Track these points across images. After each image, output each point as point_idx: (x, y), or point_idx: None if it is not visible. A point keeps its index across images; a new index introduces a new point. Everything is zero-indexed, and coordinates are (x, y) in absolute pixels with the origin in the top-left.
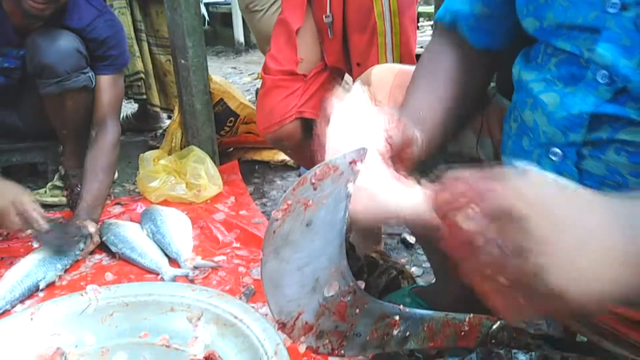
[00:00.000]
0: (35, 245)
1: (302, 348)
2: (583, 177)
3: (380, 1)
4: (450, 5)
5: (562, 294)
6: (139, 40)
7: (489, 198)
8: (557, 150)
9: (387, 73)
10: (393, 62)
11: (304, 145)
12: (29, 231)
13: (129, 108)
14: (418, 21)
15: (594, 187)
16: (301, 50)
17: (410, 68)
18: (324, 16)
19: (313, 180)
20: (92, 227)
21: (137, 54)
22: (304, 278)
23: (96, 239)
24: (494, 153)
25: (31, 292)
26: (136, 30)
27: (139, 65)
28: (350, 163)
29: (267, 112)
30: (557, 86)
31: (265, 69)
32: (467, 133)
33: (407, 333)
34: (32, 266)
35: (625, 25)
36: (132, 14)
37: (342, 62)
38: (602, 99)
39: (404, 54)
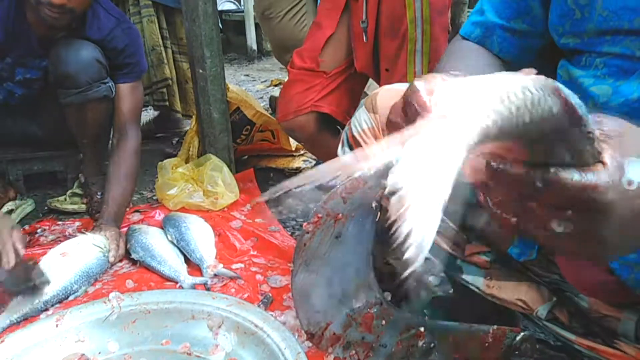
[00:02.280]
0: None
1: (329, 359)
2: None
3: (413, 7)
4: (480, 19)
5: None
6: (165, 48)
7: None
8: None
9: (395, 97)
10: (422, 69)
11: (317, 138)
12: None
13: (150, 115)
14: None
15: None
16: (327, 52)
17: None
18: (360, 21)
19: (343, 194)
20: (119, 235)
21: (165, 60)
22: (332, 289)
23: (122, 248)
24: None
25: (58, 302)
26: (162, 37)
27: (167, 72)
28: (379, 177)
29: (286, 102)
30: (609, 80)
31: (292, 63)
32: None
33: (432, 345)
34: (66, 279)
35: None
36: (158, 21)
37: (371, 67)
38: None
39: (433, 61)
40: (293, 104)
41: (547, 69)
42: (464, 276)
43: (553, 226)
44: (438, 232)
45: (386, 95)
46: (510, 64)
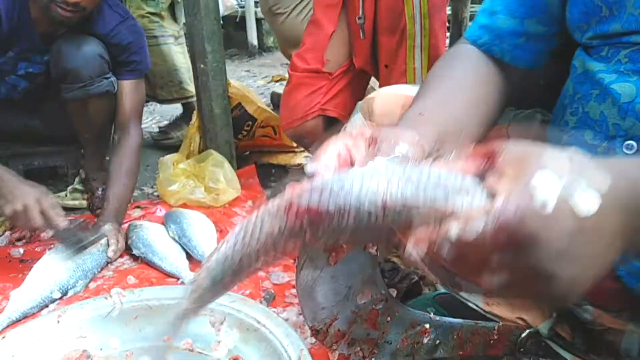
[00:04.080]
0: (57, 245)
1: (334, 356)
2: None
3: (411, 3)
4: (489, 22)
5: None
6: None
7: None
8: (633, 143)
9: (392, 104)
10: (421, 64)
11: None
12: (49, 232)
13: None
14: (448, 23)
15: None
16: (331, 51)
17: None
18: (357, 17)
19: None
20: (118, 231)
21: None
22: (337, 286)
23: (122, 243)
24: None
25: (58, 299)
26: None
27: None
28: None
29: (291, 108)
30: (633, 77)
31: (293, 66)
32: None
33: (437, 341)
34: (63, 274)
35: None
36: None
37: (370, 64)
38: None
39: (433, 57)
40: (299, 110)
41: (561, 69)
42: (462, 294)
43: (487, 280)
44: None
45: (384, 99)
46: (521, 71)
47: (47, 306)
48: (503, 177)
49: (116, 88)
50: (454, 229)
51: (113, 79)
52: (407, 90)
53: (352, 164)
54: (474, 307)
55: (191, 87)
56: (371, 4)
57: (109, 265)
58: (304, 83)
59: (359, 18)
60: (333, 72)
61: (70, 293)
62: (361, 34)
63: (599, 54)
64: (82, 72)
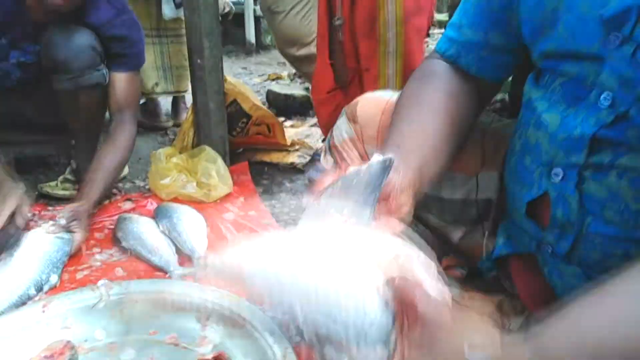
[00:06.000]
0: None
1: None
2: (584, 200)
3: (385, 9)
4: (456, 35)
5: None
6: None
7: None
8: (559, 170)
9: (374, 108)
10: (395, 70)
11: None
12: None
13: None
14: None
15: (595, 211)
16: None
17: None
18: (334, 18)
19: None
20: (86, 217)
21: None
22: None
23: (85, 224)
24: (500, 187)
25: (35, 295)
26: None
27: None
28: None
29: (325, 122)
30: (560, 107)
31: (312, 88)
32: (460, 174)
33: None
34: (29, 273)
35: (625, 58)
36: None
37: (351, 66)
38: (603, 121)
39: (407, 64)
40: (332, 123)
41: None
42: None
43: None
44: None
45: (366, 104)
46: (488, 83)
47: (25, 304)
48: (411, 339)
49: (107, 80)
50: None
51: (105, 71)
52: (388, 96)
53: None
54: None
55: (151, 83)
56: (348, 7)
57: (97, 256)
58: (324, 102)
59: (338, 19)
60: (346, 85)
61: (45, 288)
62: (340, 35)
63: (541, 80)
64: (73, 64)
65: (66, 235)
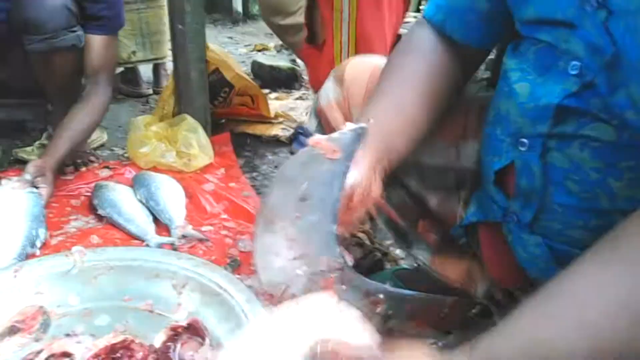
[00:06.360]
0: None
1: None
2: (547, 169)
3: None
4: (443, 0)
5: None
6: None
7: None
8: (525, 140)
9: (362, 70)
10: (348, 40)
11: None
12: None
13: None
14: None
15: (557, 181)
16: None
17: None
18: None
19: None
20: (51, 173)
21: None
22: (294, 252)
23: (49, 179)
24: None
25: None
26: None
27: None
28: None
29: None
30: (530, 76)
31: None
32: (441, 142)
33: (390, 312)
34: (21, 227)
35: (597, 25)
36: None
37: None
38: (568, 90)
39: (360, 33)
40: None
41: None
42: (414, 252)
43: None
44: (392, 205)
45: (354, 67)
46: (473, 49)
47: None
48: None
49: (82, 42)
50: None
51: (80, 32)
52: (377, 60)
53: None
54: (422, 264)
55: (128, 52)
56: None
57: (72, 223)
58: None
59: None
60: None
61: (38, 244)
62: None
63: (517, 50)
64: (45, 24)
65: (35, 190)
